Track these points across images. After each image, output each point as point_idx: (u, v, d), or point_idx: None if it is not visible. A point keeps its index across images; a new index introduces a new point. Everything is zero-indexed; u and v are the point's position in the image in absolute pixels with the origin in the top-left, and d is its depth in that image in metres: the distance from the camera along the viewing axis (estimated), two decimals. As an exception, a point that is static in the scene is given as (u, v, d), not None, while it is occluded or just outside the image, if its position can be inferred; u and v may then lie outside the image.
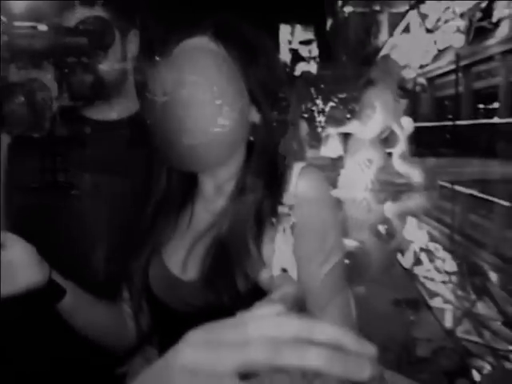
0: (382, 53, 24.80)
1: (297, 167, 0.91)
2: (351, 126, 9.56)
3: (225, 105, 0.83)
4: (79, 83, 1.12)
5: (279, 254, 0.86)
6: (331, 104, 24.38)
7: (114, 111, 1.25)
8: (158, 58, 0.93)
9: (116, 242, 1.09)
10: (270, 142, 0.91)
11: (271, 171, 0.90)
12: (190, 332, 0.41)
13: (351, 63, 36.67)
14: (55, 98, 1.03)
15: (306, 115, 23.67)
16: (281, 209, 0.88)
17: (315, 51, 60.63)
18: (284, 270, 0.86)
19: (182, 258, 0.92)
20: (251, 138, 0.91)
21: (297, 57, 56.71)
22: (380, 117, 9.06)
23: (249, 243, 0.85)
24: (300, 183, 0.89)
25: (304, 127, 11.18)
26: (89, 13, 1.13)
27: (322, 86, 25.63)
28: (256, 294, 0.81)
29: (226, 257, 0.86)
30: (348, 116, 10.40)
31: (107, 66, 1.17)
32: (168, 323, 0.94)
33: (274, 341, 0.38)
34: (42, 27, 1.01)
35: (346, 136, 10.37)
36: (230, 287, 0.84)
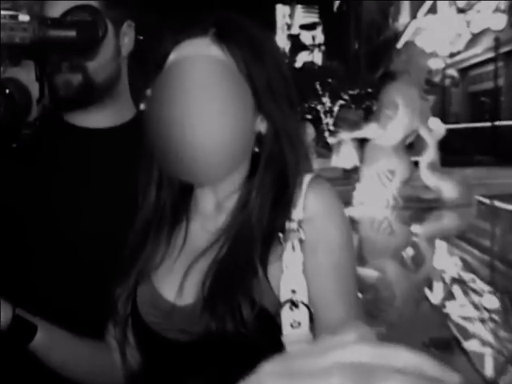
0: (404, 39, 24.78)
1: (305, 179, 0.99)
2: (367, 130, 9.45)
3: (228, 114, 0.91)
4: (65, 84, 1.17)
5: (288, 273, 0.93)
6: (341, 102, 24.55)
7: (105, 117, 1.29)
8: (154, 61, 1.01)
9: (98, 264, 1.15)
10: (277, 153, 1.00)
11: (278, 184, 0.99)
12: (263, 363, 0.45)
13: (365, 52, 36.79)
14: (36, 102, 1.07)
15: (309, 116, 23.78)
16: (288, 224, 0.96)
17: (320, 38, 60.77)
18: (293, 292, 0.92)
19: (177, 282, 0.99)
20: (256, 149, 1.01)
21: (297, 45, 56.77)
22: (403, 118, 8.99)
23: (255, 263, 0.93)
24: (308, 196, 0.97)
25: (310, 131, 11.19)
26: (77, 1, 1.17)
27: (329, 80, 25.83)
28: (262, 319, 0.91)
29: (228, 278, 0.94)
30: (363, 117, 10.30)
31: (98, 64, 1.21)
32: (161, 355, 1.00)
33: (358, 369, 0.41)
34: (23, 17, 1.04)
35: (361, 142, 10.27)
36: (233, 312, 0.90)
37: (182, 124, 0.90)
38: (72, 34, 1.07)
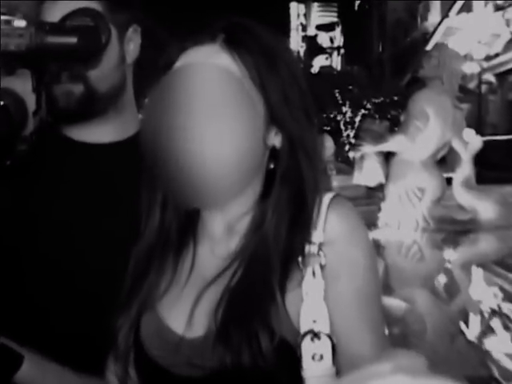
0: (434, 40, 24.69)
1: (324, 198, 1.01)
2: (394, 143, 9.33)
3: (238, 128, 0.93)
4: (65, 95, 1.18)
5: (308, 301, 0.95)
6: (363, 112, 24.49)
7: (108, 131, 1.30)
8: (159, 70, 1.02)
9: (97, 290, 1.18)
10: (293, 169, 1.02)
11: (295, 203, 1.01)
12: None
13: (390, 55, 36.66)
14: (32, 115, 1.08)
15: (328, 127, 23.71)
16: (308, 248, 0.98)
17: (339, 39, 60.88)
18: (314, 322, 0.94)
19: (185, 311, 1.01)
20: (271, 166, 1.04)
21: (314, 47, 56.96)
22: (434, 129, 8.86)
23: (273, 289, 0.94)
24: (329, 217, 0.99)
25: (329, 145, 11.10)
26: (78, 4, 1.19)
27: (350, 87, 25.84)
28: (282, 351, 0.92)
29: (244, 306, 0.95)
30: (388, 129, 10.22)
31: (101, 73, 1.23)
32: None
33: None
34: (19, 22, 1.06)
35: (386, 157, 10.18)
36: (250, 343, 0.91)
37: (184, 141, 0.91)
38: (72, 40, 1.09)
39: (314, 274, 0.96)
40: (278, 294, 0.94)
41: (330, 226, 0.98)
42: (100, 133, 1.30)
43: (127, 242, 1.09)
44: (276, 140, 1.02)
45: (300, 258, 0.97)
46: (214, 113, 0.92)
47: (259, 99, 0.99)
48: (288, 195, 1.01)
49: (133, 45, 1.30)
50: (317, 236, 0.98)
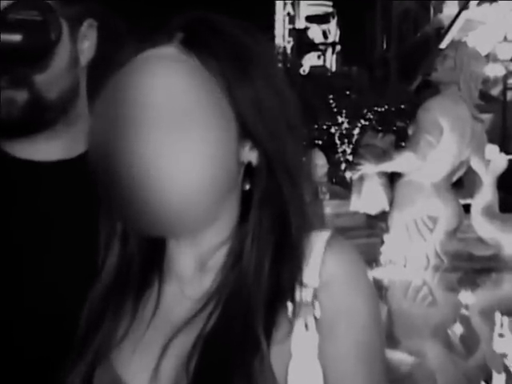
0: (450, 36, 24.71)
1: (319, 237, 1.04)
2: (400, 162, 9.20)
3: (202, 144, 0.95)
4: (6, 103, 1.17)
5: (298, 358, 0.96)
6: (362, 123, 24.41)
7: (57, 147, 1.30)
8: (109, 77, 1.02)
9: (42, 341, 1.18)
10: (274, 191, 1.03)
11: (280, 233, 1.02)
12: None
13: (396, 54, 36.67)
14: None
15: (319, 141, 23.59)
16: (300, 293, 0.99)
17: (334, 33, 60.82)
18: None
19: (148, 365, 1.01)
20: (247, 186, 1.05)
21: (303, 43, 56.78)
22: (449, 145, 8.72)
23: (258, 338, 0.94)
24: (327, 259, 1.00)
25: (321, 162, 11.13)
26: None
27: (347, 92, 25.85)
28: None
29: (222, 358, 0.95)
30: (393, 144, 10.10)
31: (50, 77, 1.22)
32: None
33: None
34: None
35: (391, 178, 10.06)
36: None
37: (139, 156, 0.92)
38: (16, 37, 1.10)
39: (306, 326, 0.97)
40: (263, 342, 0.94)
41: (328, 269, 1.00)
42: (47, 149, 1.30)
43: (81, 280, 1.09)
44: (251, 156, 1.04)
45: (289, 304, 0.98)
46: (175, 122, 0.94)
47: (228, 109, 1.00)
48: (269, 222, 1.03)
49: (88, 43, 1.31)
50: (310, 279, 0.99)
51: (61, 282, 1.22)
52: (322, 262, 1.00)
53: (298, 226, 1.03)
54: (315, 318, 0.97)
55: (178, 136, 0.94)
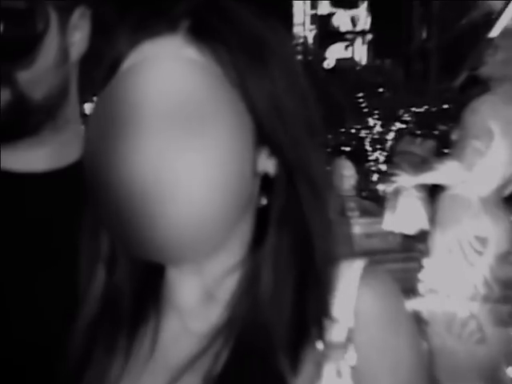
0: (501, 24, 24.06)
1: (352, 267, 0.96)
2: (443, 172, 8.72)
3: (211, 153, 0.85)
4: None
5: None
6: (398, 126, 23.12)
7: (43, 156, 1.25)
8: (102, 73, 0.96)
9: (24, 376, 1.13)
10: (295, 206, 0.94)
11: (303, 257, 0.93)
12: None
13: (437, 45, 36.02)
14: None
15: (347, 148, 22.29)
16: (330, 335, 0.91)
17: (365, 21, 58.05)
18: None
19: None
20: (263, 201, 0.95)
21: (327, 32, 55.31)
22: (500, 153, 8.08)
23: (282, 379, 0.87)
24: (362, 296, 0.93)
25: (349, 173, 10.67)
26: None
27: (380, 89, 24.60)
28: None
29: None
30: (435, 151, 9.66)
31: (35, 74, 1.17)
32: None
33: None
34: None
35: (432, 192, 9.47)
36: None
37: (140, 169, 0.84)
38: None
39: (339, 374, 0.90)
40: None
41: (364, 306, 0.93)
42: (32, 158, 1.25)
43: (67, 310, 1.02)
44: (269, 165, 0.94)
45: (317, 342, 0.91)
46: (181, 127, 0.85)
47: (242, 110, 0.90)
48: (290, 244, 0.94)
49: (79, 35, 1.25)
50: (342, 316, 0.92)
51: (46, 309, 1.17)
52: (355, 297, 0.93)
53: (323, 249, 0.94)
54: (349, 365, 0.90)
55: (185, 144, 0.84)
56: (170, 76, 0.87)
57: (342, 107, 21.01)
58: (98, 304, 1.00)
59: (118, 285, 1.01)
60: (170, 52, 0.91)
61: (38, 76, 1.19)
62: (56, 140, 1.26)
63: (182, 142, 0.84)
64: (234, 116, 0.89)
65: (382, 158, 21.72)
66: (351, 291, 0.93)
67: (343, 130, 22.41)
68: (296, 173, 0.94)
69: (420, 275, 7.96)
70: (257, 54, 0.92)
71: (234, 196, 0.89)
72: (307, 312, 0.91)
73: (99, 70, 0.96)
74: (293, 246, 0.94)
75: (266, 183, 0.95)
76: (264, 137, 0.92)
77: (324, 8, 57.87)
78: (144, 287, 1.03)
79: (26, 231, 1.22)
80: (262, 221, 0.96)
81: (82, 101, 1.31)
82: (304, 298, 0.92)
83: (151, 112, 0.85)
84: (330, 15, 57.34)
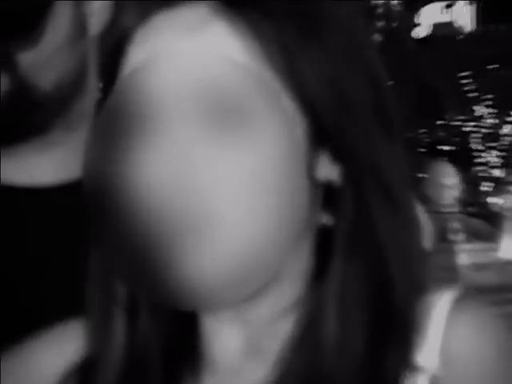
0: None
1: (441, 298, 0.84)
2: None
3: (255, 153, 0.74)
4: None
5: None
6: None
7: (50, 165, 1.18)
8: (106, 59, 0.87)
9: None
10: (368, 226, 0.82)
11: (378, 293, 0.83)
12: None
13: None
14: None
15: (445, 147, 19.42)
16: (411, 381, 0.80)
17: None
18: None
19: None
20: (326, 221, 0.82)
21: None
22: None
23: None
24: (451, 334, 0.81)
25: (450, 180, 8.44)
26: None
27: (491, 66, 20.17)
28: None
29: None
30: None
31: (42, 56, 1.08)
32: None
33: None
34: None
35: None
36: None
37: (159, 191, 0.73)
38: None
39: None
40: None
41: (453, 347, 0.80)
42: (36, 167, 1.17)
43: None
44: (332, 172, 0.81)
45: None
46: (212, 133, 0.74)
47: (294, 100, 0.77)
48: (361, 276, 0.82)
49: (99, 4, 1.13)
50: (427, 361, 0.80)
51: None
52: (444, 335, 0.81)
53: (406, 284, 0.82)
54: None
55: (218, 153, 0.74)
56: (194, 58, 0.76)
57: (440, 91, 17.94)
58: (119, 368, 0.89)
59: (143, 341, 0.90)
60: (192, 26, 0.78)
61: (45, 58, 1.09)
62: (69, 143, 1.17)
63: (214, 149, 0.74)
64: (282, 111, 0.76)
65: (495, 161, 18.58)
66: (438, 328, 0.82)
67: (441, 122, 19.13)
68: (368, 182, 0.81)
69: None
70: (309, 25, 0.80)
71: (288, 218, 0.77)
72: (384, 364, 0.81)
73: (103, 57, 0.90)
74: (365, 280, 0.82)
75: (330, 197, 0.82)
76: (323, 134, 0.78)
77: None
78: (174, 342, 0.92)
79: (29, 255, 1.13)
80: (324, 247, 0.83)
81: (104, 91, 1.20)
82: (380, 347, 0.81)
83: (173, 114, 0.75)
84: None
